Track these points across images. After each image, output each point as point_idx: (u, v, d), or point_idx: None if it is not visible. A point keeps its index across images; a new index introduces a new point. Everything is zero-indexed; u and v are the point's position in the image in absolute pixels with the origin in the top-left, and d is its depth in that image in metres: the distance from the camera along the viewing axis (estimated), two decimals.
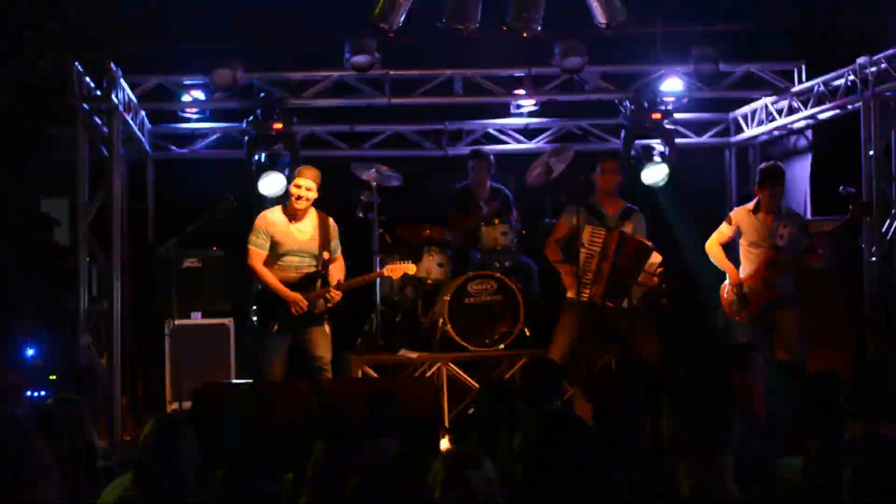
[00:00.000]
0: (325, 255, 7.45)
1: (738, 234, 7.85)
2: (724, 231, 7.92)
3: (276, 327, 7.36)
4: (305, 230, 7.47)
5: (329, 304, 7.44)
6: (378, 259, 8.54)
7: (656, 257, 7.77)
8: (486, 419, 4.50)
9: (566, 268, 7.84)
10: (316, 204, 7.56)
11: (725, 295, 7.81)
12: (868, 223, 8.16)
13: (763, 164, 8.03)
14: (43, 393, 8.03)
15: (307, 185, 7.38)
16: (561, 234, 7.97)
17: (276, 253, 7.42)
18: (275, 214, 7.51)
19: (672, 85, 9.28)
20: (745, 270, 7.78)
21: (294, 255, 7.44)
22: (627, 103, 9.51)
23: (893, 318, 8.09)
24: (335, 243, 7.55)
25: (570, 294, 7.73)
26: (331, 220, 7.56)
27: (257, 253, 7.41)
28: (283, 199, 7.86)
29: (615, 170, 8.03)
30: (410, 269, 7.95)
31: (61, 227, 9.31)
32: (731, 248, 8.11)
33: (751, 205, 7.86)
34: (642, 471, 3.47)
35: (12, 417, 3.08)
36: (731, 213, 7.98)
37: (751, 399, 4.38)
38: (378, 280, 8.72)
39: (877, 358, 7.66)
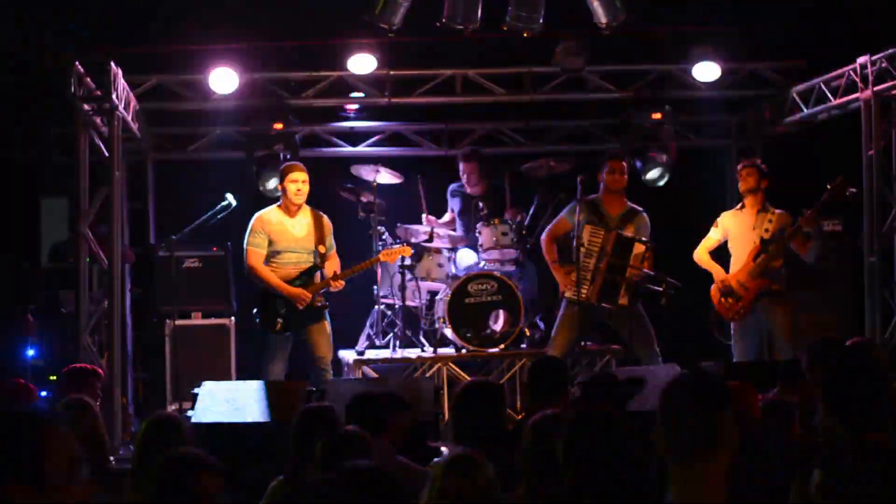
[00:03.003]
0: (321, 248, 7.47)
1: (726, 238, 7.84)
2: (711, 236, 7.89)
3: (279, 326, 7.36)
4: (300, 227, 7.50)
5: (327, 289, 7.43)
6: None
7: (639, 248, 7.67)
8: (468, 426, 4.12)
9: (559, 267, 7.81)
10: (316, 203, 7.56)
11: (715, 294, 7.80)
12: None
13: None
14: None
15: (303, 178, 7.45)
16: (560, 231, 7.93)
17: (273, 251, 7.44)
18: (269, 214, 7.53)
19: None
20: (733, 266, 7.77)
21: (291, 252, 7.45)
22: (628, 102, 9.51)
23: (893, 317, 8.09)
24: (330, 241, 7.56)
25: (568, 293, 7.71)
26: (324, 218, 7.59)
27: (256, 252, 7.42)
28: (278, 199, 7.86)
29: (623, 170, 7.90)
30: (406, 251, 7.96)
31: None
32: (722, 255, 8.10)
33: (737, 206, 7.90)
34: None
35: (35, 410, 2.94)
36: (718, 219, 7.95)
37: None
38: (378, 279, 8.73)
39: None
